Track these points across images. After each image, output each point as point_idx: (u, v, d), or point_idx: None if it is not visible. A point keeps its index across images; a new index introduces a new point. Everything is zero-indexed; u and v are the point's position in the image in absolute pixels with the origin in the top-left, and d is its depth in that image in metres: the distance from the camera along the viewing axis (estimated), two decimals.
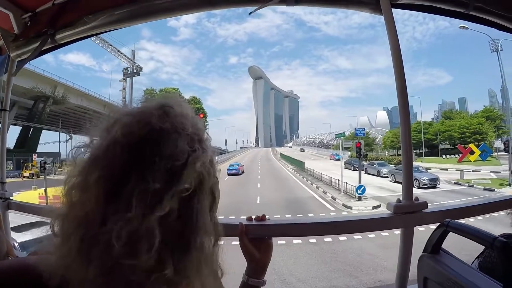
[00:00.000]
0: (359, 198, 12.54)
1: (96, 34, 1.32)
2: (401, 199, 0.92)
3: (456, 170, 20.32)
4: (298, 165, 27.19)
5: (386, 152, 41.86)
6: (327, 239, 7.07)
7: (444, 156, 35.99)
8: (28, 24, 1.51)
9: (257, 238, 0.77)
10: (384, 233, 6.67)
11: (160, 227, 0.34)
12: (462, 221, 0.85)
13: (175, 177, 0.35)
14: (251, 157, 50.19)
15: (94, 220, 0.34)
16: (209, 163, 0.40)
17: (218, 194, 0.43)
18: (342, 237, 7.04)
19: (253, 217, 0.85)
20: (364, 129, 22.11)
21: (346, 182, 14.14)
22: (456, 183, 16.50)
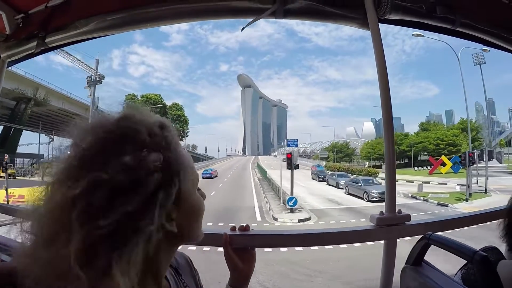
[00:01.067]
0: (291, 210, 12.57)
1: (87, 39, 1.32)
2: (384, 212, 0.93)
3: (422, 183, 20.24)
4: (264, 174, 27.97)
5: (367, 163, 41.70)
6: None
7: (416, 168, 35.66)
8: (20, 25, 1.50)
9: (241, 248, 0.78)
10: (283, 249, 6.37)
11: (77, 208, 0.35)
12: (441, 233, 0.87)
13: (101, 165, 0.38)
14: (230, 165, 49.12)
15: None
16: (156, 167, 0.40)
17: (181, 198, 0.44)
18: None
19: (237, 227, 0.86)
20: (297, 140, 21.22)
21: (284, 193, 14.26)
22: (412, 197, 16.39)
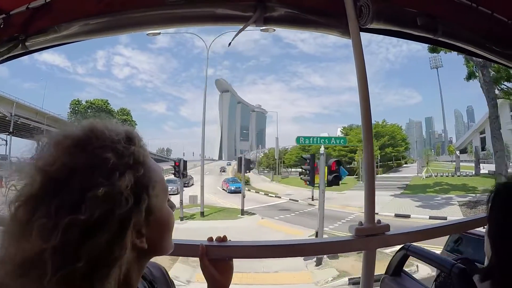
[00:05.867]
0: None
1: (69, 43, 1.29)
2: (362, 222, 0.92)
3: (285, 196, 19.01)
4: None
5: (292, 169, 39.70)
6: None
7: (302, 177, 33.01)
8: (1, 26, 1.46)
9: (218, 259, 0.76)
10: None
11: None
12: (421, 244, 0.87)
13: None
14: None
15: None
16: (128, 192, 0.40)
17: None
18: None
19: (214, 238, 0.84)
20: None
21: None
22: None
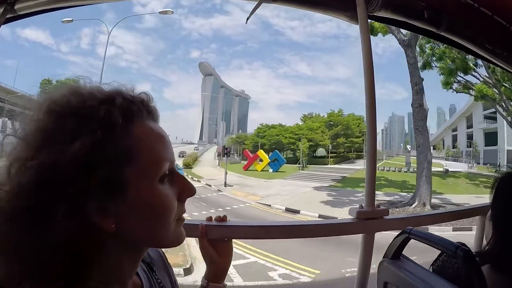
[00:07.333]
0: None
1: (59, 8, 1.21)
2: (363, 205, 0.93)
3: (207, 181, 18.12)
4: None
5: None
6: None
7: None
8: None
9: (217, 240, 0.73)
10: None
11: None
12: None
13: None
14: None
15: None
16: (78, 157, 0.36)
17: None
18: None
19: (213, 217, 0.81)
20: None
21: None
22: None
